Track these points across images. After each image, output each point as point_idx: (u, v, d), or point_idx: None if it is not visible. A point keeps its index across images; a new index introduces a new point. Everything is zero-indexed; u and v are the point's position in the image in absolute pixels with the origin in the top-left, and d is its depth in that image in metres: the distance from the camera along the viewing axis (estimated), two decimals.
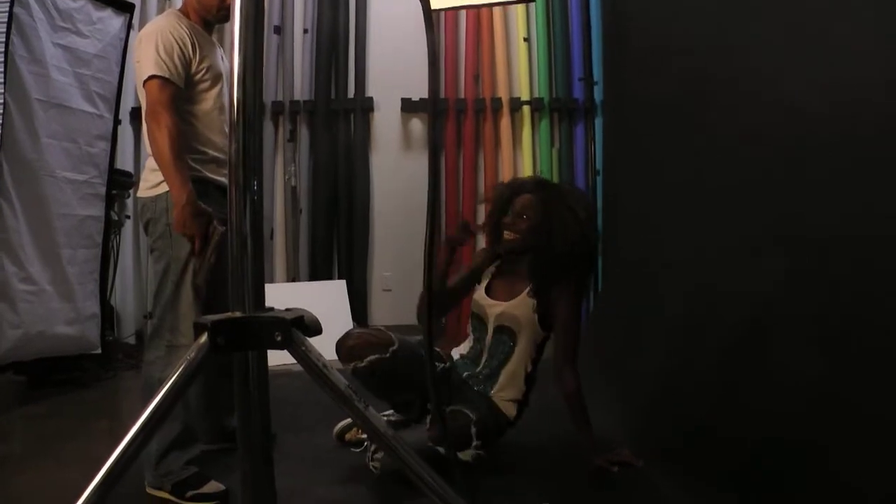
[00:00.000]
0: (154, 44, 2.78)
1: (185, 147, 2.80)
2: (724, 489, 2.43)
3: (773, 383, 2.37)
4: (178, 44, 2.81)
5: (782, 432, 2.25)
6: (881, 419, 1.81)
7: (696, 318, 3.15)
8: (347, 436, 3.01)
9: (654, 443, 3.09)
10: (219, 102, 3.01)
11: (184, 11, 3.01)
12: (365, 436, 2.92)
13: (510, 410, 3.10)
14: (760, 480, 2.27)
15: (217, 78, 2.99)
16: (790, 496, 2.10)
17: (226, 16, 3.04)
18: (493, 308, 3.15)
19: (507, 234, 3.10)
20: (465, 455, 2.88)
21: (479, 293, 3.25)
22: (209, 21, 3.05)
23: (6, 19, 4.16)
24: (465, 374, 3.17)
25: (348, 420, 2.97)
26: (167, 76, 2.77)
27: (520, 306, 3.09)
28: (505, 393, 3.10)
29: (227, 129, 3.01)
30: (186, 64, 2.85)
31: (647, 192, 4.27)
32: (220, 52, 3.10)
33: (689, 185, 3.44)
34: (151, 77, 2.76)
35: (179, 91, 2.82)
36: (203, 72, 2.92)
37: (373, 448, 2.86)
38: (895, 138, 1.88)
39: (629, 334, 4.10)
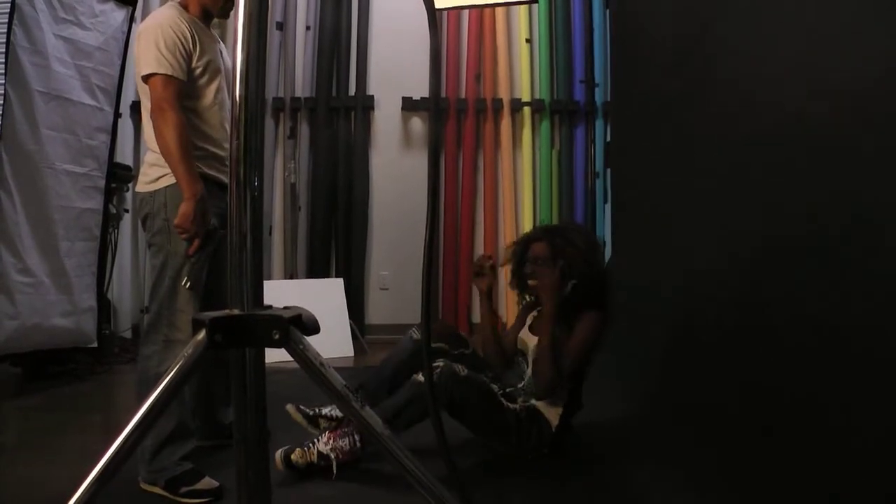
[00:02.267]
0: (155, 39, 2.77)
1: (190, 141, 2.80)
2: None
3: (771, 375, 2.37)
4: (179, 39, 2.80)
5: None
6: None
7: (694, 307, 3.16)
8: (293, 457, 2.97)
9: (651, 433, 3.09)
10: (218, 97, 3.00)
11: (183, 4, 2.99)
12: (313, 458, 2.91)
13: (552, 417, 3.20)
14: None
15: (216, 73, 2.98)
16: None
17: (228, 10, 3.04)
18: (531, 341, 3.29)
19: (531, 283, 3.33)
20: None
21: (524, 331, 3.42)
22: (210, 14, 3.04)
23: (8, 10, 4.16)
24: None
25: (287, 447, 2.97)
26: (171, 73, 2.76)
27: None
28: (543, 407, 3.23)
29: (226, 125, 3.02)
30: (187, 58, 2.84)
31: (652, 188, 4.29)
32: (219, 46, 3.09)
33: (690, 183, 3.46)
34: (154, 74, 2.76)
35: (183, 86, 2.82)
36: (203, 66, 2.91)
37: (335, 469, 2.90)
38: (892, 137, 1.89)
39: (632, 323, 4.11)
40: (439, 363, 3.05)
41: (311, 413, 3.16)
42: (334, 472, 2.87)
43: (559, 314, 3.18)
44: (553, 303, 3.16)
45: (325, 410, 3.19)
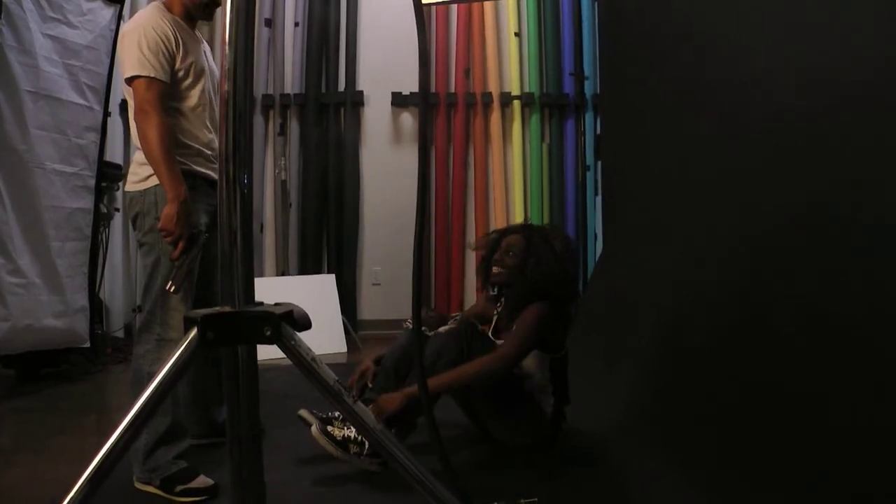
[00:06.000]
0: (137, 41, 2.76)
1: (174, 142, 2.80)
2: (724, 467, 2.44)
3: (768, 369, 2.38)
4: (162, 40, 2.79)
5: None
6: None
7: (687, 307, 3.17)
8: (330, 428, 2.97)
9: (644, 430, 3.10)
10: (204, 98, 2.99)
11: (167, 4, 2.98)
12: (351, 433, 2.91)
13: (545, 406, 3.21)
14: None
15: (200, 73, 2.97)
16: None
17: (211, 13, 3.04)
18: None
19: (494, 269, 3.29)
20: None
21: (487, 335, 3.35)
22: (193, 16, 3.03)
23: None
24: None
25: (324, 417, 2.98)
26: (153, 75, 2.75)
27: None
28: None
29: (211, 125, 3.03)
30: (171, 60, 2.83)
31: (643, 180, 4.31)
32: (203, 47, 3.08)
33: (681, 176, 3.47)
34: (137, 76, 2.75)
35: (166, 87, 2.81)
36: (186, 68, 2.90)
37: (367, 449, 2.87)
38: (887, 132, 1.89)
39: (621, 321, 4.12)
40: (455, 315, 3.14)
41: (325, 416, 3.12)
42: (366, 449, 2.86)
43: (514, 305, 3.18)
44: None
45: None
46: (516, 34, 7.21)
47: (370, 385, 3.17)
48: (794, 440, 2.14)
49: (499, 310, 3.38)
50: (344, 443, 2.88)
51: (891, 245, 1.89)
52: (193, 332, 1.13)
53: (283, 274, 6.93)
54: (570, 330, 3.29)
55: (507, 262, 3.25)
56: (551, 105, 7.21)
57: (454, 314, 3.26)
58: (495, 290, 3.36)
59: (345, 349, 6.00)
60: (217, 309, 1.17)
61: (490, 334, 3.33)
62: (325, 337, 5.92)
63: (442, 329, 3.14)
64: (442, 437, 1.47)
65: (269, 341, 1.15)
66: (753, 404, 2.44)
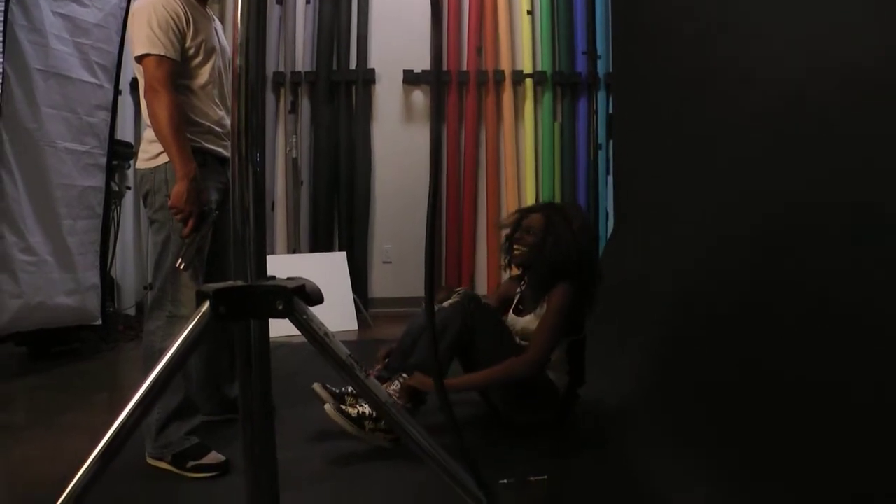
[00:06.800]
0: (147, 19, 2.75)
1: (185, 120, 2.79)
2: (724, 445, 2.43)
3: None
4: (172, 18, 2.78)
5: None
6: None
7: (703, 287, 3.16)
8: (344, 407, 3.01)
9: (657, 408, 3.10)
10: (214, 76, 2.98)
11: None
12: (365, 410, 2.92)
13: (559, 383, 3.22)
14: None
15: (211, 52, 2.96)
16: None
17: None
18: (515, 324, 3.32)
19: (515, 249, 3.32)
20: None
21: (510, 314, 3.42)
22: None
23: None
24: None
25: (337, 395, 3.01)
26: (163, 53, 2.74)
27: (534, 320, 3.23)
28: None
29: (221, 102, 3.02)
30: (181, 38, 2.82)
31: (655, 159, 4.30)
32: (214, 24, 3.07)
33: (693, 156, 3.45)
34: (147, 55, 2.74)
35: (176, 66, 2.80)
36: (197, 46, 2.89)
37: (382, 424, 2.89)
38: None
39: (631, 301, 4.11)
40: (459, 290, 3.20)
41: (338, 392, 3.13)
42: (380, 425, 2.89)
43: (538, 286, 3.23)
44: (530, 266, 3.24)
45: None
46: (529, 12, 7.16)
47: (384, 366, 3.20)
48: (802, 427, 2.14)
49: (522, 288, 3.42)
50: (359, 419, 2.90)
51: (893, 234, 1.88)
52: (206, 306, 1.13)
53: (294, 252, 6.94)
54: (592, 312, 3.29)
55: (527, 240, 3.27)
56: (563, 84, 7.17)
57: (458, 289, 3.27)
58: (519, 269, 3.42)
59: (356, 327, 6.01)
60: (229, 283, 1.17)
61: (512, 312, 3.39)
62: (336, 315, 5.93)
63: (446, 304, 3.15)
64: (455, 415, 1.47)
65: (281, 315, 1.15)
66: (759, 389, 2.43)
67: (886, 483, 1.70)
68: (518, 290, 3.46)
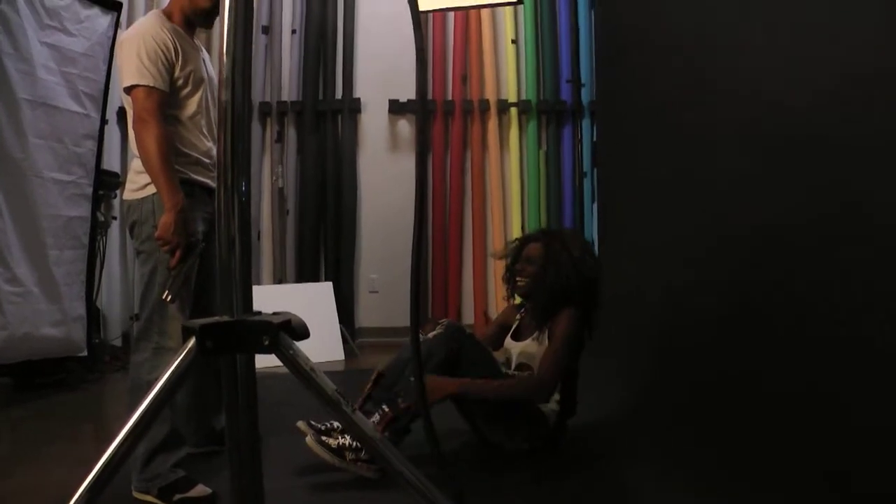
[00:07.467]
0: (136, 50, 2.76)
1: (173, 151, 2.79)
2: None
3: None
4: (160, 49, 2.79)
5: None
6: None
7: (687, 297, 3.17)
8: (324, 438, 2.99)
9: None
10: (202, 106, 2.99)
11: (167, 12, 2.98)
12: (346, 441, 2.92)
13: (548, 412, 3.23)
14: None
15: (199, 82, 2.97)
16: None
17: (211, 21, 3.03)
18: (514, 349, 3.36)
19: (518, 280, 3.36)
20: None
21: (507, 339, 3.48)
22: (192, 23, 3.03)
23: None
24: None
25: (318, 428, 3.00)
26: (152, 84, 2.75)
27: (533, 344, 3.29)
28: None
29: (209, 133, 3.02)
30: (170, 68, 2.83)
31: (639, 186, 4.32)
32: (202, 55, 3.08)
33: (676, 182, 3.48)
34: (136, 85, 2.75)
35: (165, 96, 2.81)
36: (186, 76, 2.90)
37: (363, 454, 2.88)
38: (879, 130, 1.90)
39: (618, 324, 4.12)
40: (443, 321, 3.22)
41: (324, 428, 3.11)
42: (361, 455, 2.88)
43: (540, 314, 3.25)
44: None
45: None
46: (513, 41, 7.21)
47: (371, 395, 3.19)
48: (794, 438, 2.15)
49: (521, 316, 3.47)
50: (339, 450, 2.89)
51: (881, 241, 1.90)
52: (192, 342, 1.13)
53: (280, 282, 6.92)
54: (591, 338, 3.32)
55: (529, 271, 3.31)
56: (548, 112, 7.21)
57: (442, 320, 3.28)
58: (520, 299, 3.46)
59: (342, 357, 6.00)
60: (215, 318, 1.17)
61: (510, 337, 3.44)
62: (323, 345, 5.92)
63: (430, 335, 3.16)
64: (440, 444, 1.47)
65: (267, 351, 1.15)
66: (749, 406, 2.44)
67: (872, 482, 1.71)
68: (517, 316, 3.50)
